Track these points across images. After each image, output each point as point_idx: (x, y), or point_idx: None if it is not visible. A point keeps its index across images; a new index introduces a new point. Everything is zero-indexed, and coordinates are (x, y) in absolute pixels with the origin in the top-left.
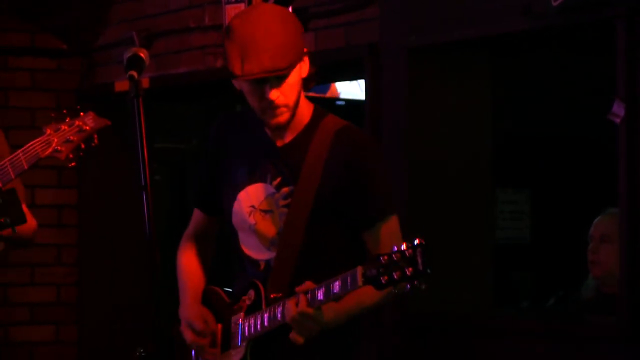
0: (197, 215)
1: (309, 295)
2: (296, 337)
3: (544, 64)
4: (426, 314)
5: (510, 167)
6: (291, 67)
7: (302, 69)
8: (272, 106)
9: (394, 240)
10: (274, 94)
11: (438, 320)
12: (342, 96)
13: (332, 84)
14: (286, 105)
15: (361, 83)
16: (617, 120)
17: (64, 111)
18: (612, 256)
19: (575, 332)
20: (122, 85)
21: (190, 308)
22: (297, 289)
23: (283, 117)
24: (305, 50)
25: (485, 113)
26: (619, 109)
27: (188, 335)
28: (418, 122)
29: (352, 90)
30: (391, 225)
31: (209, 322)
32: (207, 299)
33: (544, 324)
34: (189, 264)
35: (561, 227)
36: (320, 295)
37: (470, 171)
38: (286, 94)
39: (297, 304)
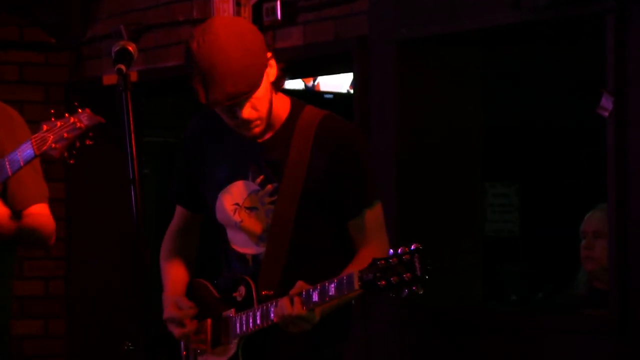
0: (180, 211)
1: (303, 296)
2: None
3: (534, 58)
4: (415, 307)
5: (500, 161)
6: (255, 87)
7: (269, 73)
8: (245, 122)
9: (378, 227)
10: (246, 112)
11: (427, 313)
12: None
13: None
14: (259, 118)
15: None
16: (606, 114)
17: (62, 107)
18: (606, 251)
19: (566, 326)
20: (110, 79)
21: (168, 301)
22: (291, 292)
23: (258, 129)
24: (269, 55)
25: (474, 106)
26: (607, 103)
27: (174, 330)
28: (407, 116)
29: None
30: (376, 212)
31: (185, 310)
32: (195, 291)
33: (534, 317)
34: (170, 258)
35: (550, 221)
36: (315, 296)
37: (460, 164)
38: (257, 108)
39: (291, 304)
